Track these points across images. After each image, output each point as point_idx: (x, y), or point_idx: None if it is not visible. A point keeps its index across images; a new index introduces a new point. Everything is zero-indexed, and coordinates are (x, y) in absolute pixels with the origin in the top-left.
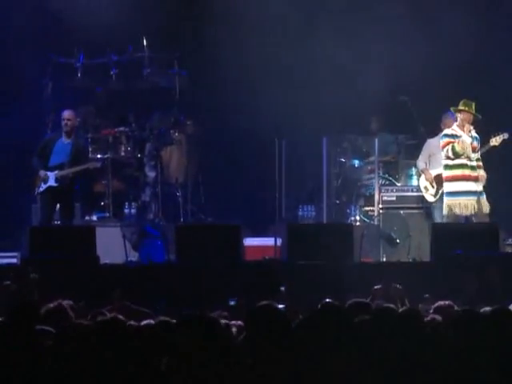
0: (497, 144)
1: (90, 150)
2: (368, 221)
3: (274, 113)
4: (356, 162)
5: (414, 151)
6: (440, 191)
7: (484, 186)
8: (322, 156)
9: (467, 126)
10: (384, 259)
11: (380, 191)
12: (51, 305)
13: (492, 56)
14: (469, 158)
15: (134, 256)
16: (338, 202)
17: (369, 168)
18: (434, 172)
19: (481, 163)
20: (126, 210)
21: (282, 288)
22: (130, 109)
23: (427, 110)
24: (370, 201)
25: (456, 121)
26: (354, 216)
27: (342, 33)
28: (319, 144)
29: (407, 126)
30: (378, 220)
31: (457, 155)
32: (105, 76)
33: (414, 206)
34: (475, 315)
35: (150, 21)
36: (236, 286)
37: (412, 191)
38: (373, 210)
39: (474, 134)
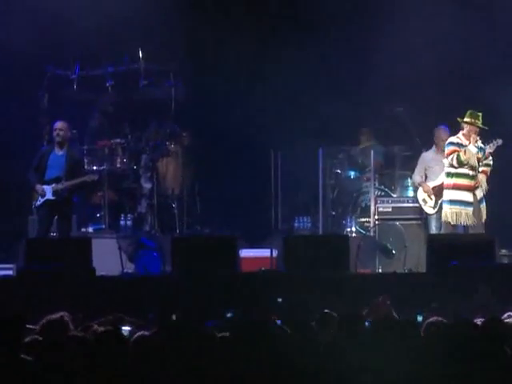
0: (491, 151)
1: (86, 161)
2: (364, 232)
3: (270, 124)
4: (352, 174)
5: (410, 162)
6: (439, 202)
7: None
8: (318, 167)
9: (474, 137)
10: (380, 270)
11: (376, 202)
12: (53, 316)
13: (488, 65)
14: (472, 168)
15: (129, 268)
16: (333, 213)
17: (364, 178)
18: (430, 184)
19: (487, 169)
20: (122, 222)
21: (279, 299)
22: (125, 120)
23: (422, 121)
24: (365, 212)
25: (449, 134)
26: (350, 227)
27: (340, 44)
28: (315, 155)
29: (402, 138)
30: (374, 231)
31: (461, 164)
32: (101, 88)
33: (410, 217)
34: (467, 326)
35: (145, 32)
36: (232, 297)
37: (408, 202)
38: (369, 222)
39: (480, 144)
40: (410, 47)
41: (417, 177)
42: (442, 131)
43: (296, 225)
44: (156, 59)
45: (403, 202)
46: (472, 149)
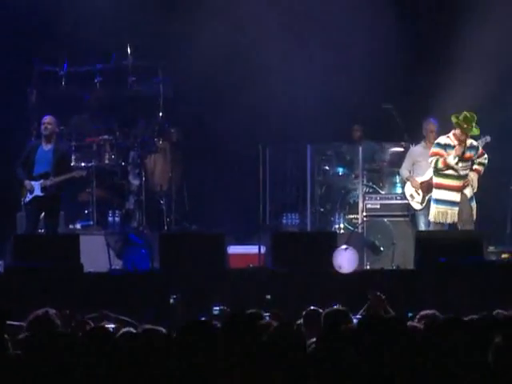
0: (484, 151)
1: (74, 158)
2: (352, 229)
3: (259, 120)
4: (340, 170)
5: (398, 159)
6: (426, 198)
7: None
8: (307, 164)
9: (463, 139)
10: (368, 267)
11: (364, 199)
12: (39, 312)
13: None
14: (460, 168)
15: (117, 264)
16: (322, 209)
17: (353, 175)
18: (418, 180)
19: (479, 168)
20: (110, 218)
21: (268, 296)
22: (114, 117)
23: (411, 117)
24: (354, 209)
25: (437, 126)
26: (338, 224)
27: (329, 41)
28: (303, 152)
29: (391, 134)
30: (362, 228)
31: (437, 170)
32: (89, 84)
33: (398, 213)
34: (459, 322)
35: (134, 29)
36: (220, 294)
37: (396, 199)
38: (357, 218)
39: (471, 143)
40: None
41: (404, 171)
42: (430, 124)
43: (284, 221)
44: (144, 56)
45: (391, 198)
46: (450, 160)
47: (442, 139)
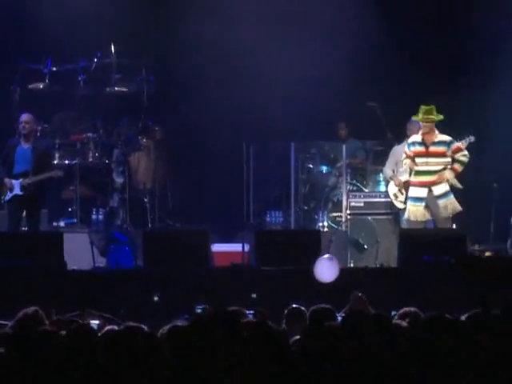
0: (463, 148)
1: (58, 155)
2: (336, 227)
3: (242, 118)
4: (324, 168)
5: (382, 157)
6: None
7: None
8: (290, 162)
9: (431, 132)
10: (352, 265)
11: (348, 197)
12: (28, 311)
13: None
14: (427, 164)
15: (101, 262)
16: (305, 207)
17: (336, 173)
18: (401, 179)
19: (457, 166)
20: (94, 216)
21: (254, 295)
22: (97, 114)
23: (395, 115)
24: (337, 207)
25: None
26: (322, 222)
27: (314, 39)
28: (287, 150)
29: (375, 132)
30: (346, 226)
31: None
32: (73, 82)
33: (382, 211)
34: (444, 320)
35: (117, 27)
36: (204, 292)
37: (380, 197)
38: (341, 216)
39: (440, 138)
40: (376, 41)
41: (388, 170)
42: (414, 125)
43: (268, 219)
44: (128, 53)
45: (375, 196)
46: (424, 145)
47: (414, 138)
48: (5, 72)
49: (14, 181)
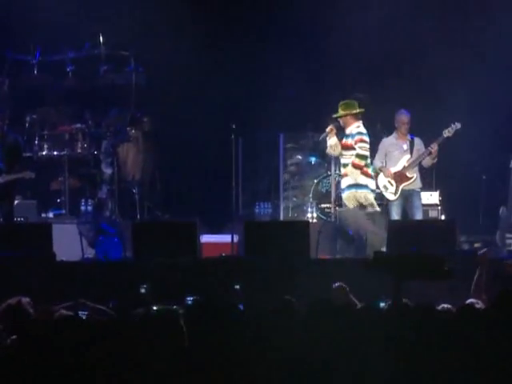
0: (450, 135)
1: (46, 146)
2: (324, 218)
3: (231, 109)
4: (313, 159)
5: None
6: (400, 188)
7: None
8: (279, 153)
9: (346, 126)
10: (339, 256)
11: (336, 188)
12: (11, 302)
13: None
14: (342, 156)
15: (90, 253)
16: (294, 199)
17: (325, 164)
18: (391, 170)
19: (353, 160)
20: (83, 207)
21: (237, 286)
22: (86, 106)
23: (384, 107)
24: (326, 198)
25: (409, 118)
26: (311, 213)
27: (301, 29)
28: (276, 141)
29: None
30: (335, 217)
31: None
32: (61, 73)
33: None
34: (432, 311)
35: (106, 18)
36: (193, 283)
37: None
38: (329, 207)
39: (354, 130)
40: (371, 34)
41: (377, 162)
42: (403, 115)
43: (257, 210)
44: (116, 45)
45: None
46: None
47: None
48: None
49: None
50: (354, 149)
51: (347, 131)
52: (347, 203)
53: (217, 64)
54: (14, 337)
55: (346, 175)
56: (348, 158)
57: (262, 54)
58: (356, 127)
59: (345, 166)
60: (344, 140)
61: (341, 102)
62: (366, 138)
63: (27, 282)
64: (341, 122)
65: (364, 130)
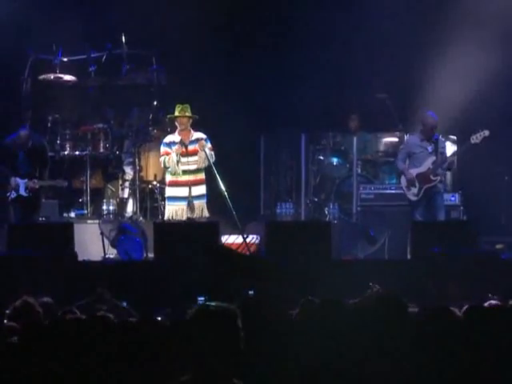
0: (478, 142)
1: (68, 146)
2: (346, 218)
3: (254, 109)
4: (335, 160)
5: (393, 149)
6: (422, 190)
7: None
8: (301, 153)
9: (186, 131)
10: (362, 257)
11: (358, 189)
12: (17, 303)
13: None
14: (185, 163)
15: (112, 253)
16: (316, 199)
17: (347, 164)
18: (414, 171)
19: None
20: (105, 207)
21: (251, 292)
22: (108, 105)
23: (406, 107)
24: (348, 198)
25: (436, 120)
26: (333, 214)
27: (324, 29)
28: (298, 141)
29: (386, 124)
30: (357, 218)
31: (166, 168)
32: (83, 73)
33: (393, 203)
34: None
35: (128, 18)
36: (208, 283)
37: (391, 189)
38: (351, 208)
39: (194, 136)
40: (392, 34)
41: (400, 162)
42: (430, 119)
43: (278, 211)
44: (139, 44)
45: (386, 188)
46: (173, 158)
47: (168, 138)
48: (16, 63)
49: (19, 180)
50: None
51: (191, 136)
52: (198, 213)
53: (240, 64)
54: (15, 338)
55: (199, 184)
56: (195, 163)
57: (286, 54)
58: (199, 132)
59: (193, 172)
60: (190, 146)
61: (183, 105)
62: None
63: (49, 282)
64: (184, 124)
65: None
